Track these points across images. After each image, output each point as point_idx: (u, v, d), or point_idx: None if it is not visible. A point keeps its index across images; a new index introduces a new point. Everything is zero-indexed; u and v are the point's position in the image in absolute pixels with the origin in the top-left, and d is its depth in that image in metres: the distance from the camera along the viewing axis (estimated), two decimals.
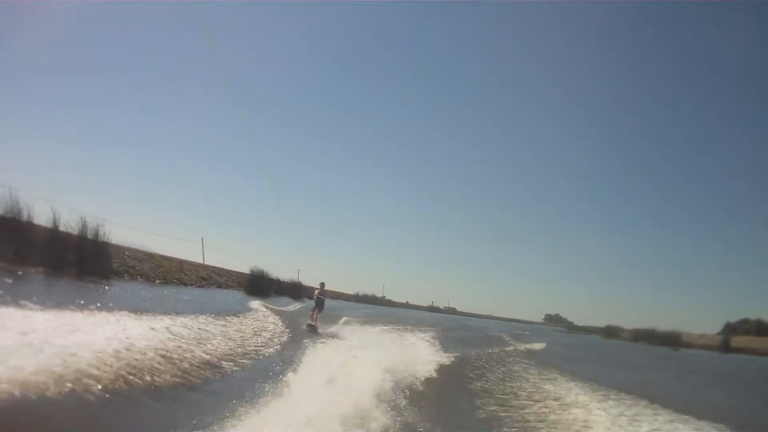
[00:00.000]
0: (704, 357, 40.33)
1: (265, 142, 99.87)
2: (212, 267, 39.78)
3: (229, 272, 40.12)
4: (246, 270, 40.55)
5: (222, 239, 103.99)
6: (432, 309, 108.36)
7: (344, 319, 25.01)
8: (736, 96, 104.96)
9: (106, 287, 17.69)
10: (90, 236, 20.45)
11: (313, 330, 17.41)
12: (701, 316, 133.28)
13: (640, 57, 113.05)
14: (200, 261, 43.08)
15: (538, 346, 23.40)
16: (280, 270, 45.80)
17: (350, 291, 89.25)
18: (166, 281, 26.92)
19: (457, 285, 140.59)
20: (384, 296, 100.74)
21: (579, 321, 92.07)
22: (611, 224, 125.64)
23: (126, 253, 26.42)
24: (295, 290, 42.60)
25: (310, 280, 46.04)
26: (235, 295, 29.42)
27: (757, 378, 25.02)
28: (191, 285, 30.22)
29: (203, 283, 32.56)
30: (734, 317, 70.57)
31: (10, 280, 12.14)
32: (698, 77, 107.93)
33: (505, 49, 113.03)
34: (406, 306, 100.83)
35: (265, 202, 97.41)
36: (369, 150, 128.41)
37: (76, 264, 18.69)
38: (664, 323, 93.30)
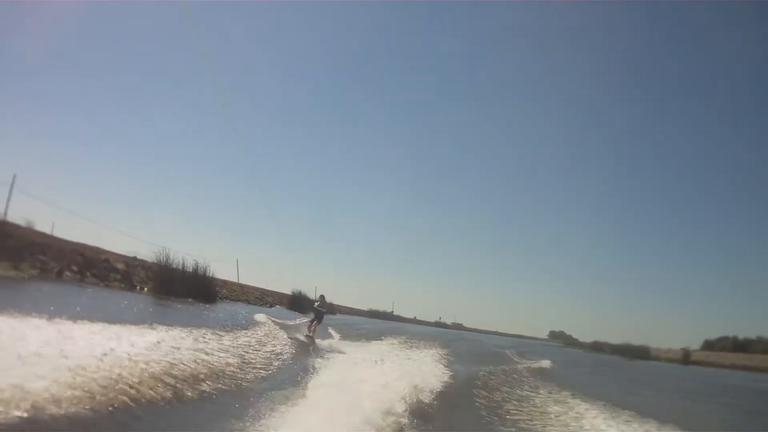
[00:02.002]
0: (647, 365, 48.97)
1: (272, 151, 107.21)
2: (256, 288, 49.62)
3: (274, 293, 50.01)
4: (275, 287, 51.99)
5: (235, 253, 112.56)
6: (439, 325, 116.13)
7: (356, 332, 28.58)
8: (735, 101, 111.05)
9: (225, 307, 27.36)
10: (201, 273, 30.29)
11: (310, 341, 17.81)
12: (693, 332, 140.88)
13: (639, 59, 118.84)
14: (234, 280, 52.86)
15: (543, 361, 25.22)
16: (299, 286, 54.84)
17: (363, 307, 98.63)
18: (240, 300, 36.95)
19: (464, 301, 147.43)
20: (392, 312, 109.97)
21: (583, 337, 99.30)
22: (618, 242, 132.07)
23: None
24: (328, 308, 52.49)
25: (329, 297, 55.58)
26: (283, 311, 38.86)
27: (670, 379, 33.23)
28: (253, 303, 40.01)
29: (260, 303, 42.35)
30: (720, 334, 78.64)
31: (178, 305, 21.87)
32: (697, 80, 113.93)
33: (505, 51, 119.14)
34: (414, 321, 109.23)
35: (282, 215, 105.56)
36: (376, 161, 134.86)
37: (202, 294, 28.36)
38: (658, 339, 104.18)
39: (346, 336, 24.87)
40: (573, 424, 9.35)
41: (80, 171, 77.56)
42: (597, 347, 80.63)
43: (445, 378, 11.66)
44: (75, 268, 23.70)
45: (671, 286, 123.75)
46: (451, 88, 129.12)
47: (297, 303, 46.99)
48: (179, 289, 27.10)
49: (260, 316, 22.11)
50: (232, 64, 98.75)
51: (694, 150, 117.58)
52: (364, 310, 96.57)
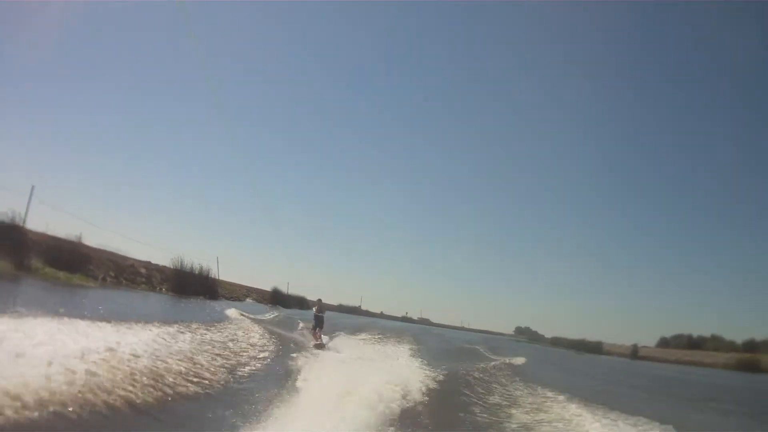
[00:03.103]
0: (595, 359, 57.01)
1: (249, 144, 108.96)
2: (242, 285, 56.28)
3: (257, 289, 56.96)
4: (257, 284, 59.01)
5: (218, 250, 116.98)
6: (405, 319, 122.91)
7: (332, 327, 28.20)
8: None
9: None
10: (206, 275, 36.95)
11: (320, 347, 17.99)
12: (653, 329, 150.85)
13: (633, 60, 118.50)
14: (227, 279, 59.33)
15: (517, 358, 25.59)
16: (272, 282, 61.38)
17: (334, 302, 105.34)
18: (232, 298, 43.78)
19: (430, 296, 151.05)
20: (360, 306, 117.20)
21: (549, 332, 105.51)
22: (589, 239, 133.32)
23: None
24: (300, 303, 59.69)
25: (299, 291, 62.63)
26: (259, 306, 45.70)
27: (597, 369, 41.28)
28: (242, 300, 46.72)
29: (244, 298, 49.21)
30: (678, 331, 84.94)
31: (192, 304, 28.40)
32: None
33: (498, 52, 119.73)
34: (381, 316, 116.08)
35: (249, 212, 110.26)
36: (346, 158, 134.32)
37: (208, 292, 35.03)
38: (624, 334, 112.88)
39: (324, 332, 26.73)
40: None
41: (67, 171, 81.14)
42: (556, 342, 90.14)
43: (429, 376, 12.11)
44: (112, 274, 29.99)
45: (638, 283, 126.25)
46: (431, 88, 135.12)
47: (276, 299, 54.49)
48: (191, 289, 33.74)
49: (232, 311, 22.80)
50: (232, 69, 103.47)
51: (670, 153, 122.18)
52: (334, 305, 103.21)
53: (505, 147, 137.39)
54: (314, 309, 20.94)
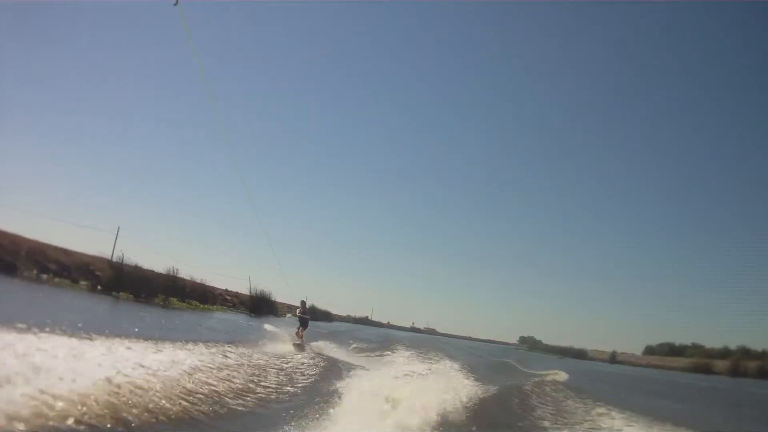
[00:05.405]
0: (576, 363, 67.38)
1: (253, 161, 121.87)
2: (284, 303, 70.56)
3: (287, 304, 71.31)
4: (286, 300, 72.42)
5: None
6: (413, 330, 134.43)
7: (356, 339, 32.78)
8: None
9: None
10: (267, 296, 51.42)
11: (300, 347, 18.88)
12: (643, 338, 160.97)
13: (632, 60, 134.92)
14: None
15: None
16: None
17: (342, 312, 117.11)
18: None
19: (437, 306, 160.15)
20: (368, 317, 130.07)
21: (551, 341, 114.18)
22: (586, 254, 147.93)
23: None
24: (326, 316, 73.78)
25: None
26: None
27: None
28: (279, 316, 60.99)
29: (285, 314, 63.55)
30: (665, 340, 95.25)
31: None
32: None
33: (489, 52, 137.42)
34: (389, 326, 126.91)
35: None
36: (353, 172, 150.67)
37: (272, 312, 49.52)
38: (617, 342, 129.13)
39: (354, 342, 30.35)
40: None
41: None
42: (548, 349, 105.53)
43: (479, 395, 12.20)
44: (212, 300, 44.50)
45: (639, 296, 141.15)
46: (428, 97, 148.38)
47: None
48: (262, 309, 48.27)
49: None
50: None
51: (656, 165, 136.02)
52: (344, 316, 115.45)
53: (506, 156, 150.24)
54: (298, 311, 22.53)
